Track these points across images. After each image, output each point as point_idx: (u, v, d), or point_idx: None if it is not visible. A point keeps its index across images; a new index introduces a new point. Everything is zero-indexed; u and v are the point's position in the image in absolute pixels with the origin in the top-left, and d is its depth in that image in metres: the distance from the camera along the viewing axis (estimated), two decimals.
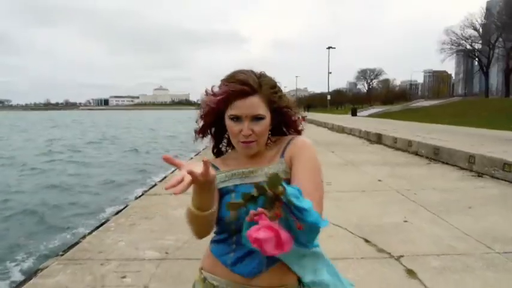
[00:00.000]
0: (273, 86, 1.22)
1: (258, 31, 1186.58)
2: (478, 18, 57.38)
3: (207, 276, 1.23)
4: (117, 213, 5.52)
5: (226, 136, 1.29)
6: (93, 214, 7.75)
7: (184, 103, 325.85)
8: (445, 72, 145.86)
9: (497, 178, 6.76)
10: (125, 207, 5.92)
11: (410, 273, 3.09)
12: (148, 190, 6.96)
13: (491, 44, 56.69)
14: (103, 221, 5.47)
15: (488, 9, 63.39)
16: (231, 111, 1.17)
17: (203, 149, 11.58)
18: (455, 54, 63.60)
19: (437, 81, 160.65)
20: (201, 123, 1.29)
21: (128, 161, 16.36)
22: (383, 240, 3.85)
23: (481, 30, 57.80)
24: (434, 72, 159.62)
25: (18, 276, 4.65)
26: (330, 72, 60.70)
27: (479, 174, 7.21)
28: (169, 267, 3.28)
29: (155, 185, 7.72)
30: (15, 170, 13.92)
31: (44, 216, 7.76)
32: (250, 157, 1.24)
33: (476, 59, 61.52)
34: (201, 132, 1.31)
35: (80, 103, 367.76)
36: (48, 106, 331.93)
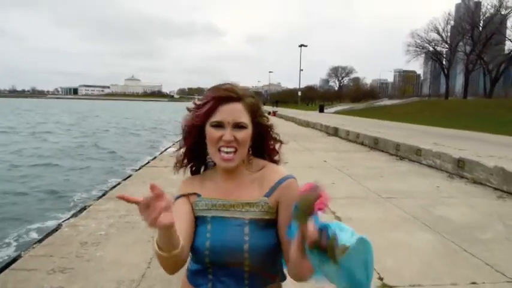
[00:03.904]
0: (256, 101, 1.23)
1: (234, 24, 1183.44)
2: (441, 23, 61.09)
3: None
4: (125, 179, 7.33)
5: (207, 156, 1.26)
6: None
7: (156, 94, 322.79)
8: (412, 72, 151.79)
9: (412, 160, 8.99)
10: (129, 176, 7.73)
11: None
12: (145, 164, 8.80)
13: (453, 48, 60.62)
14: (115, 183, 7.27)
15: (456, 13, 67.26)
16: (213, 119, 1.15)
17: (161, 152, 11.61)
18: (422, 56, 67.09)
19: (406, 81, 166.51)
20: (184, 148, 1.26)
21: None
22: None
23: (443, 34, 61.60)
24: (404, 71, 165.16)
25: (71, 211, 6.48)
26: (302, 70, 63.30)
27: (401, 158, 9.45)
28: None
29: (148, 162, 9.53)
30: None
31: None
32: (229, 177, 1.22)
33: (438, 61, 65.43)
34: (186, 157, 1.27)
35: (48, 91, 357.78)
36: (13, 93, 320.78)
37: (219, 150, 1.14)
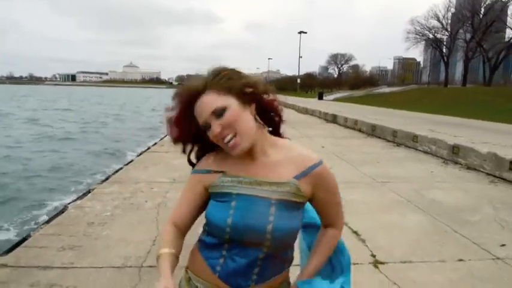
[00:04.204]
0: (221, 75, 1.11)
1: (233, 11, 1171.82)
2: (442, 10, 60.66)
3: (192, 277, 1.20)
4: (127, 164, 7.48)
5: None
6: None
7: (154, 81, 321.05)
8: (412, 59, 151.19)
9: (409, 147, 9.16)
10: (131, 161, 7.88)
11: None
12: (146, 150, 8.96)
13: (453, 35, 60.38)
14: (118, 168, 7.42)
15: (456, 0, 66.75)
16: (199, 121, 1.11)
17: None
18: (422, 43, 66.67)
19: (405, 69, 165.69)
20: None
21: None
22: None
23: (443, 21, 61.28)
24: (404, 59, 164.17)
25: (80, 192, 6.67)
26: (301, 57, 63.11)
27: (398, 144, 9.61)
28: (178, 186, 5.33)
29: (149, 148, 9.68)
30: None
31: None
32: (254, 158, 1.16)
33: (438, 48, 65.17)
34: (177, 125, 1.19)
35: (46, 78, 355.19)
36: (11, 79, 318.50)
37: (226, 145, 1.09)
